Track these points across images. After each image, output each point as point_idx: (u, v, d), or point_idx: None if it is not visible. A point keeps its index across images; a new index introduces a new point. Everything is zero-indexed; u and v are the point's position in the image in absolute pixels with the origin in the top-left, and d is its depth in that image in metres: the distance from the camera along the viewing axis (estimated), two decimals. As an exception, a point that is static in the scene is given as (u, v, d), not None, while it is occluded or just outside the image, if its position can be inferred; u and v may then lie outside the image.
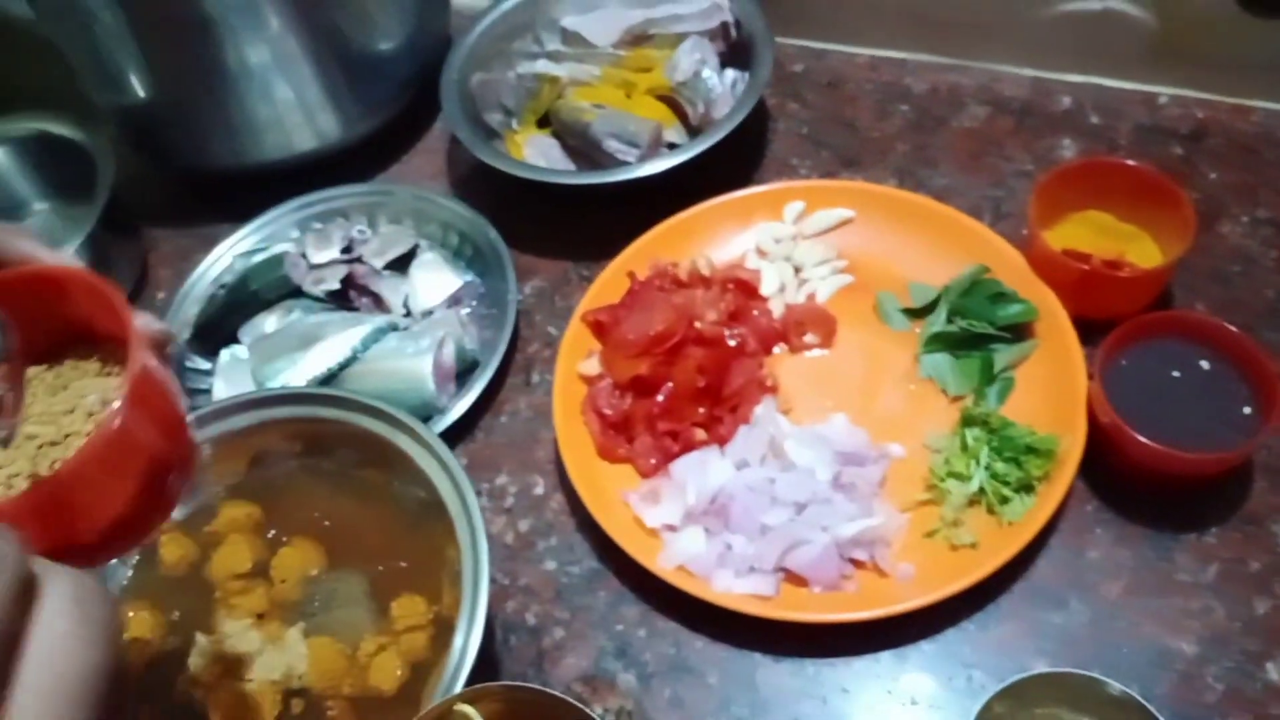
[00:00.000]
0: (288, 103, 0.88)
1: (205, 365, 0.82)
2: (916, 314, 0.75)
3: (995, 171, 0.84)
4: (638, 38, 0.91)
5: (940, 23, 0.90)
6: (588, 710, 0.48)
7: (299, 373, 0.75)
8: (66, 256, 0.44)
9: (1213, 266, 0.76)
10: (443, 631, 0.59)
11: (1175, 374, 0.65)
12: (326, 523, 0.66)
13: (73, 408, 0.43)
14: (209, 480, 0.68)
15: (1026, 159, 0.85)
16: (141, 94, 0.87)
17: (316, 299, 0.82)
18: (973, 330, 0.71)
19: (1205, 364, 0.65)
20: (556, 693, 0.49)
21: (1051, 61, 0.89)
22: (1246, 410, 0.63)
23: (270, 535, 0.66)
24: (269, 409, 0.68)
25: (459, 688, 0.55)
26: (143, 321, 0.42)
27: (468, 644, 0.56)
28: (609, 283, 0.77)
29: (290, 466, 0.68)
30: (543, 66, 0.91)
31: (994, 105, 0.89)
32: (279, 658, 0.61)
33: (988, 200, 0.82)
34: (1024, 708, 0.56)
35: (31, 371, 0.45)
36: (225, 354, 0.80)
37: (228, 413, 0.67)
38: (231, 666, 0.61)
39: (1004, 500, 0.64)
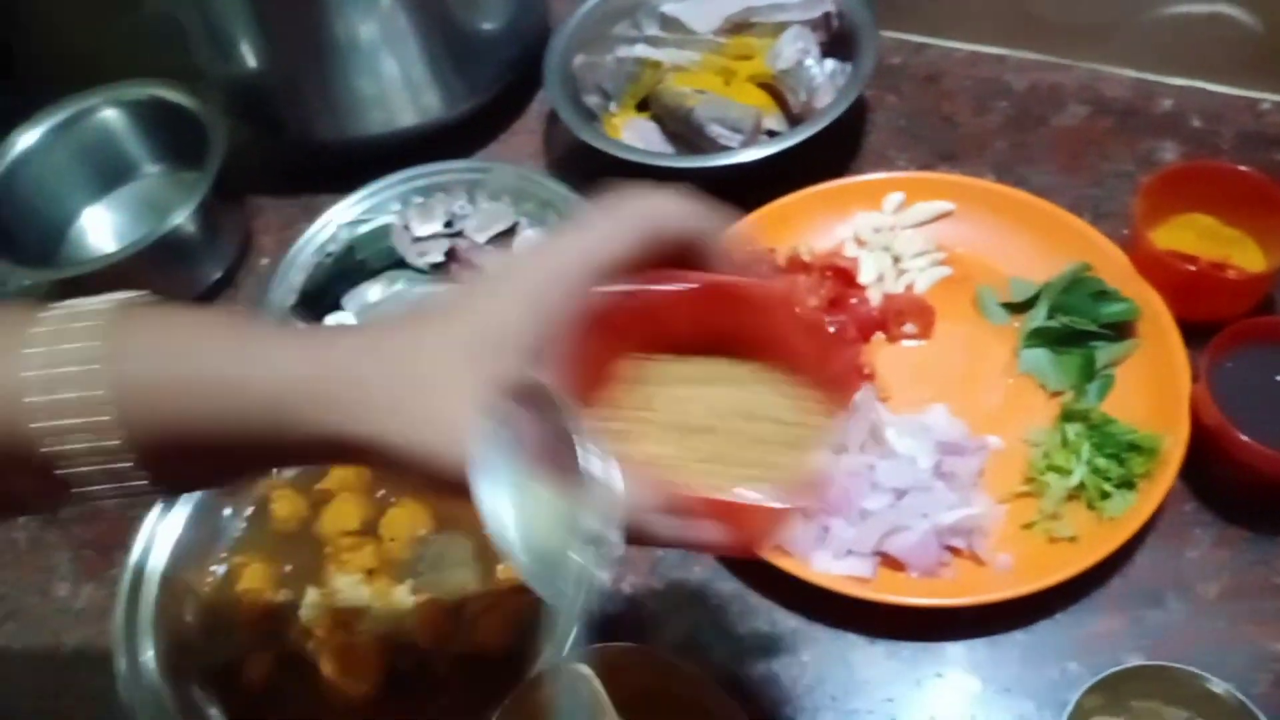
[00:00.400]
0: (393, 79, 0.90)
1: (310, 330, 0.84)
2: (1016, 309, 0.75)
3: (1095, 171, 0.84)
4: (738, 25, 0.92)
5: (1043, 20, 0.90)
6: (700, 672, 0.49)
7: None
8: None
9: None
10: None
11: (1278, 377, 0.65)
12: (433, 485, 0.68)
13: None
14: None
15: (1127, 160, 0.84)
16: (252, 65, 0.89)
17: (420, 271, 0.84)
18: (1074, 327, 0.71)
19: (1313, 368, 0.65)
20: (668, 655, 0.50)
21: (1154, 64, 0.89)
22: (1357, 416, 0.63)
23: (379, 495, 0.68)
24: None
25: (567, 648, 0.56)
26: None
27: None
28: (708, 266, 0.78)
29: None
30: (642, 51, 0.92)
31: (1095, 105, 0.89)
32: (388, 613, 0.63)
33: (1087, 199, 0.82)
34: (1119, 700, 0.56)
35: None
36: (330, 320, 0.83)
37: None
38: (342, 619, 0.63)
39: (1105, 495, 0.64)
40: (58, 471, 0.38)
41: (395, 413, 0.38)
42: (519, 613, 0.62)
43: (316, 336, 0.48)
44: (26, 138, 0.90)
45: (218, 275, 0.90)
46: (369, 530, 0.66)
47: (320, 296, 0.85)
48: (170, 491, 0.55)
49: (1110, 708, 0.56)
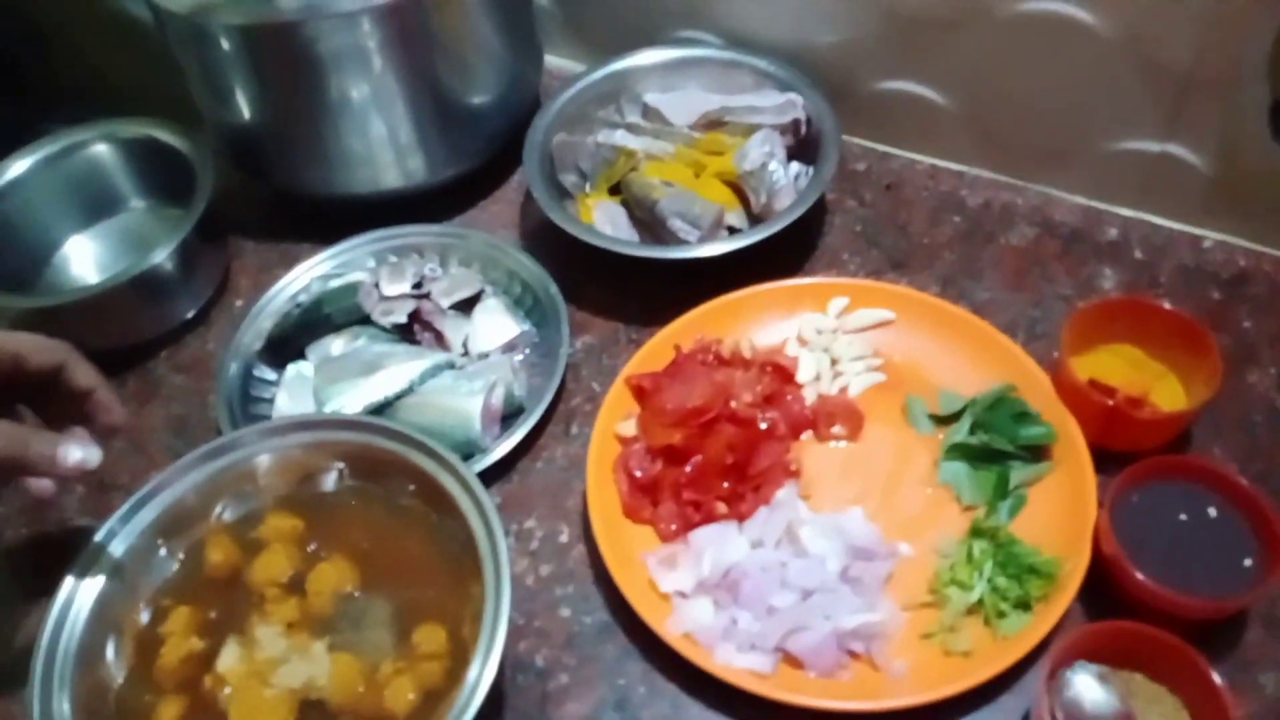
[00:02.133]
0: (381, 141, 0.94)
1: (272, 377, 0.87)
2: (942, 421, 0.79)
3: (1036, 291, 0.88)
4: (713, 122, 0.96)
5: (1002, 142, 0.94)
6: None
7: (359, 397, 0.80)
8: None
9: (1238, 413, 0.79)
10: (457, 664, 0.63)
11: (1183, 517, 0.68)
12: (365, 545, 0.71)
13: None
14: (259, 489, 0.73)
15: (1068, 284, 0.88)
16: (246, 115, 0.93)
17: (383, 329, 0.87)
18: (992, 445, 0.74)
19: (1213, 511, 0.68)
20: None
21: (1105, 193, 0.93)
22: (1247, 562, 0.66)
23: (311, 549, 0.70)
24: (326, 431, 0.72)
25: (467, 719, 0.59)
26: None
27: (480, 679, 0.60)
28: (655, 350, 0.82)
29: (344, 487, 0.73)
30: (621, 138, 0.97)
31: (1044, 227, 0.93)
32: (303, 668, 0.65)
33: (1025, 318, 0.86)
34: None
35: None
36: (292, 369, 0.86)
37: (287, 430, 0.73)
38: (258, 670, 0.65)
39: (1001, 614, 0.67)
40: None
41: None
42: (428, 680, 0.64)
43: None
44: (18, 166, 0.94)
45: (192, 313, 0.94)
46: (298, 583, 0.69)
47: (286, 344, 0.88)
48: None
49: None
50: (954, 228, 0.94)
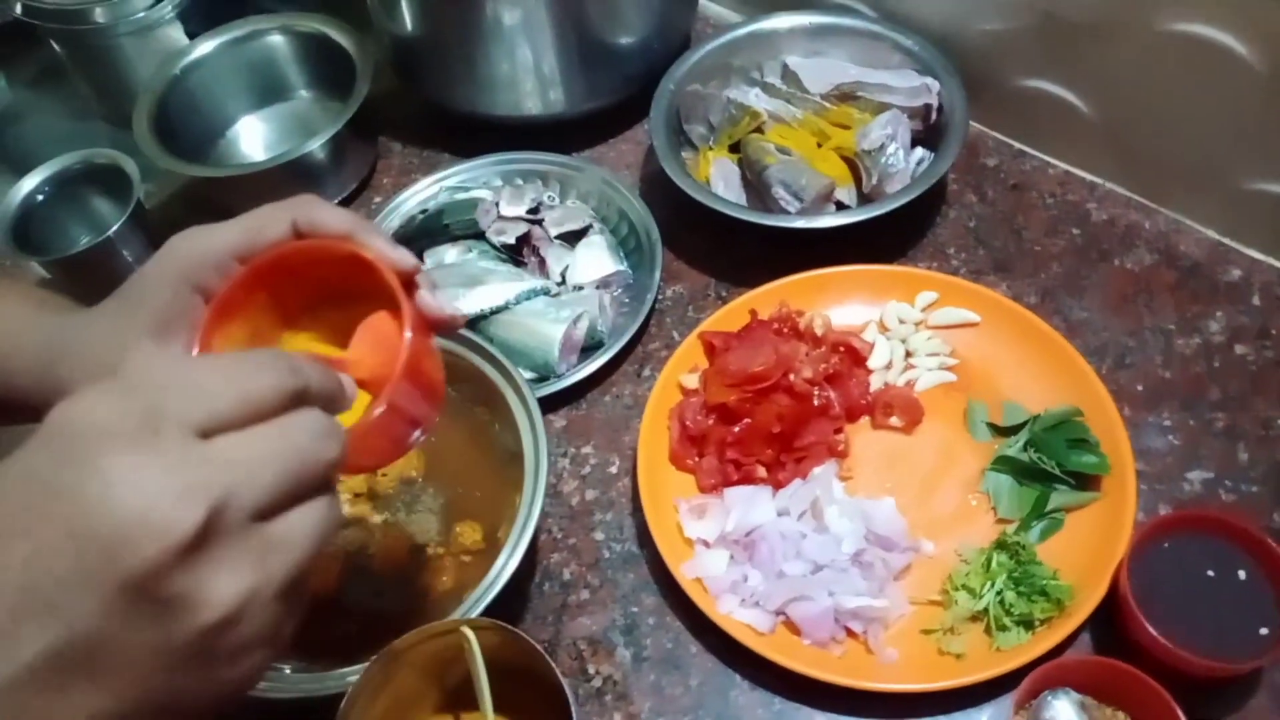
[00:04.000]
0: (526, 68, 0.99)
1: (389, 272, 0.95)
2: (1001, 431, 0.79)
3: (1136, 319, 0.86)
4: (846, 94, 0.97)
5: (1142, 160, 0.91)
6: (561, 678, 0.57)
7: (460, 306, 0.87)
8: (351, 221, 0.51)
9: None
10: (489, 560, 0.70)
11: (1210, 573, 0.68)
12: (433, 438, 0.78)
13: None
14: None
15: (1172, 318, 0.86)
16: (409, 27, 1.00)
17: (494, 247, 0.94)
18: (1040, 465, 0.75)
19: (1243, 574, 0.67)
20: (540, 648, 0.58)
21: (1237, 231, 0.89)
22: (1264, 631, 0.65)
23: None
24: (419, 331, 0.80)
25: (482, 608, 0.66)
26: (399, 258, 0.50)
27: (499, 575, 0.67)
28: (735, 311, 0.85)
29: (420, 383, 0.80)
30: (754, 98, 0.98)
31: (1165, 255, 0.90)
32: (359, 534, 0.74)
33: (1117, 345, 0.84)
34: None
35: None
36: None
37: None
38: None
39: (1002, 627, 0.69)
40: None
41: (74, 372, 0.50)
42: (462, 570, 0.72)
43: (61, 318, 0.55)
44: (204, 47, 1.04)
45: (335, 200, 1.03)
46: (370, 461, 0.77)
47: (408, 244, 0.94)
48: None
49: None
50: (1070, 240, 0.92)
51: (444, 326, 0.54)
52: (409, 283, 0.51)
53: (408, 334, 0.49)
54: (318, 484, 0.39)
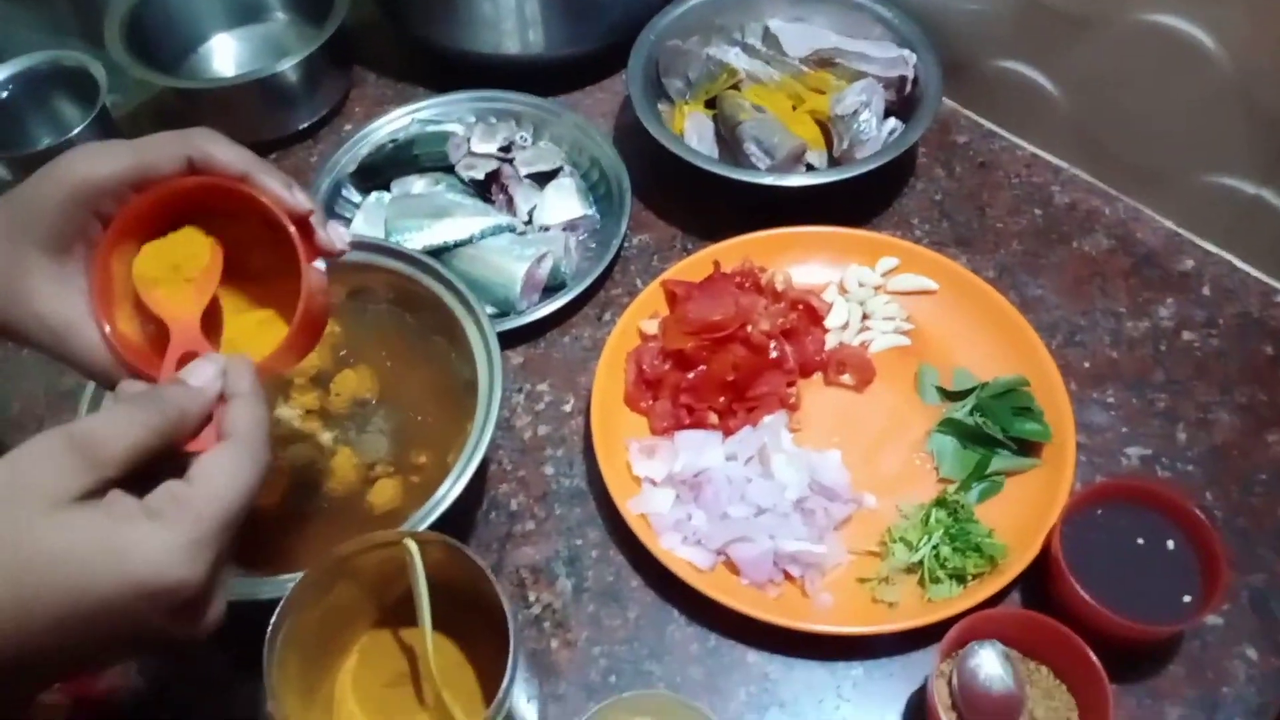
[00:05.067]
0: (509, 7, 0.99)
1: (356, 199, 0.95)
2: (949, 396, 0.81)
3: (1089, 301, 0.88)
4: (824, 61, 0.98)
5: (1107, 148, 0.93)
6: (501, 595, 0.58)
7: (424, 236, 0.87)
8: (247, 161, 0.52)
9: (1244, 468, 0.78)
10: (435, 484, 0.70)
11: (1140, 541, 0.70)
12: (389, 363, 0.78)
13: None
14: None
15: (1123, 303, 0.88)
16: (396, -42, 1.00)
17: (462, 181, 0.93)
18: (984, 430, 0.76)
19: (1171, 544, 0.69)
20: (485, 565, 0.58)
21: (1194, 223, 0.91)
22: (1186, 599, 0.67)
23: (342, 354, 0.78)
24: (384, 257, 0.79)
25: (425, 526, 0.66)
26: (294, 201, 0.52)
27: (447, 495, 0.67)
28: (699, 262, 0.86)
29: (380, 307, 0.80)
30: (734, 56, 0.99)
31: (1122, 242, 0.92)
32: (307, 450, 0.74)
33: (1067, 325, 0.86)
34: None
35: None
36: (373, 196, 0.93)
37: (355, 246, 0.79)
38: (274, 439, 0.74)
39: (935, 580, 0.70)
40: None
41: None
42: (409, 492, 0.72)
43: None
44: (179, -41, 1.02)
45: (305, 124, 1.02)
46: (323, 380, 0.77)
47: (376, 173, 0.95)
48: None
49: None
50: (1032, 220, 0.94)
51: (334, 256, 0.56)
52: (303, 221, 0.53)
53: (307, 278, 0.52)
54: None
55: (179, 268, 0.54)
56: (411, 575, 0.60)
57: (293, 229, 0.53)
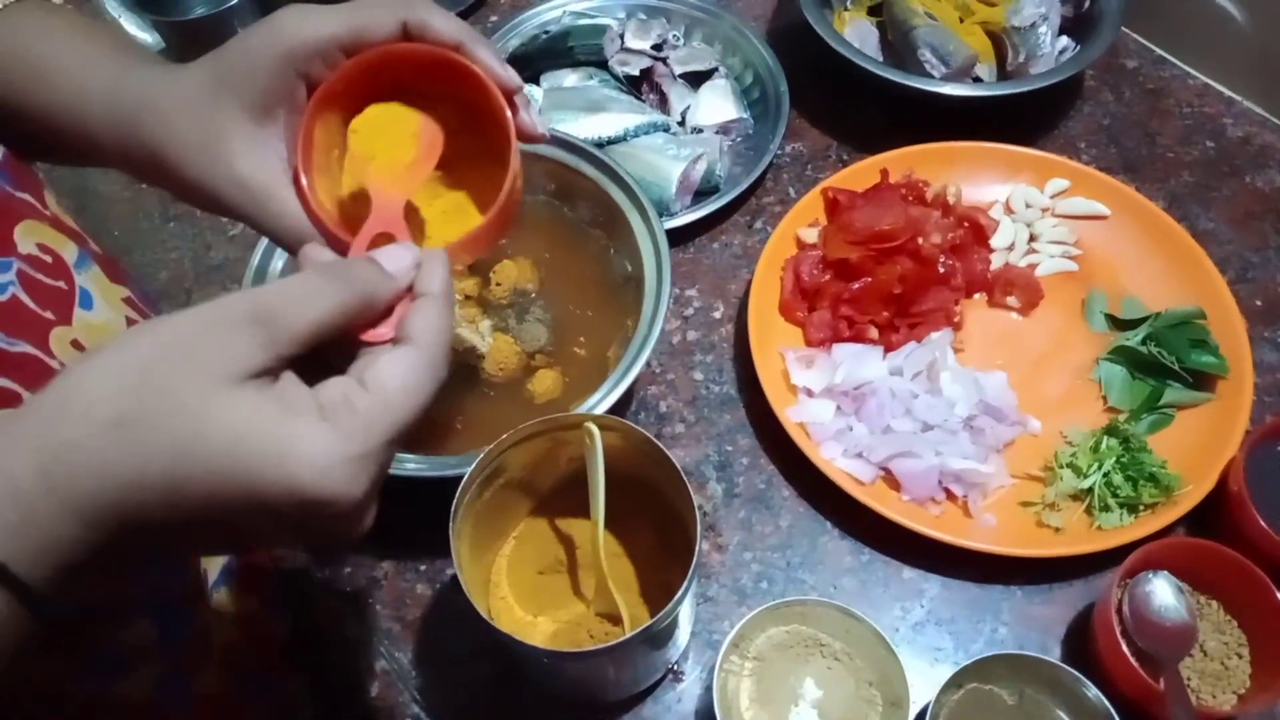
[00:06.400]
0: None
1: (504, 91, 0.93)
2: (1117, 324, 0.78)
3: (1261, 238, 0.84)
4: (997, -29, 0.93)
5: (1291, 79, 0.88)
6: (686, 482, 0.57)
7: (577, 129, 0.85)
8: (462, 30, 0.49)
9: None
10: (594, 377, 0.70)
11: (1322, 480, 0.67)
12: (548, 254, 0.77)
13: None
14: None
15: (1298, 241, 0.84)
16: None
17: (615, 77, 0.91)
18: (1159, 360, 0.74)
19: (1358, 485, 0.67)
20: (669, 452, 0.58)
21: (1381, 162, 0.86)
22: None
23: (503, 244, 0.77)
24: (546, 146, 0.78)
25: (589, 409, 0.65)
26: (506, 76, 0.49)
27: (614, 389, 0.66)
28: (862, 172, 0.83)
29: (540, 199, 0.78)
30: (900, -39, 0.95)
31: (1299, 179, 0.88)
32: (468, 334, 0.73)
33: (1239, 260, 0.83)
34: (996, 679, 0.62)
35: None
36: (526, 88, 0.91)
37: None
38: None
39: (1105, 508, 0.68)
40: None
41: (159, 129, 0.48)
42: (569, 383, 0.71)
43: (147, 68, 0.52)
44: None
45: (456, 12, 0.99)
46: (483, 268, 0.76)
47: (524, 66, 0.93)
48: None
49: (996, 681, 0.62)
50: (1203, 151, 0.89)
51: (536, 141, 0.52)
52: (510, 101, 0.50)
53: (515, 160, 0.49)
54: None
55: (392, 145, 0.52)
56: (589, 461, 0.59)
57: (503, 104, 0.50)
